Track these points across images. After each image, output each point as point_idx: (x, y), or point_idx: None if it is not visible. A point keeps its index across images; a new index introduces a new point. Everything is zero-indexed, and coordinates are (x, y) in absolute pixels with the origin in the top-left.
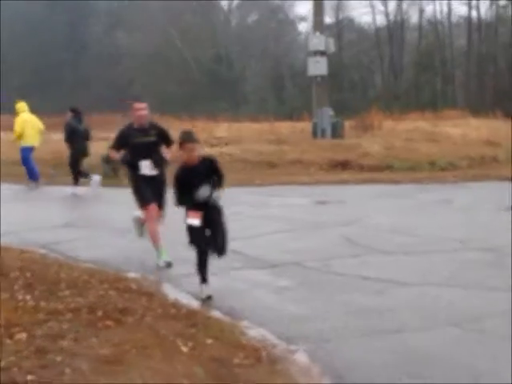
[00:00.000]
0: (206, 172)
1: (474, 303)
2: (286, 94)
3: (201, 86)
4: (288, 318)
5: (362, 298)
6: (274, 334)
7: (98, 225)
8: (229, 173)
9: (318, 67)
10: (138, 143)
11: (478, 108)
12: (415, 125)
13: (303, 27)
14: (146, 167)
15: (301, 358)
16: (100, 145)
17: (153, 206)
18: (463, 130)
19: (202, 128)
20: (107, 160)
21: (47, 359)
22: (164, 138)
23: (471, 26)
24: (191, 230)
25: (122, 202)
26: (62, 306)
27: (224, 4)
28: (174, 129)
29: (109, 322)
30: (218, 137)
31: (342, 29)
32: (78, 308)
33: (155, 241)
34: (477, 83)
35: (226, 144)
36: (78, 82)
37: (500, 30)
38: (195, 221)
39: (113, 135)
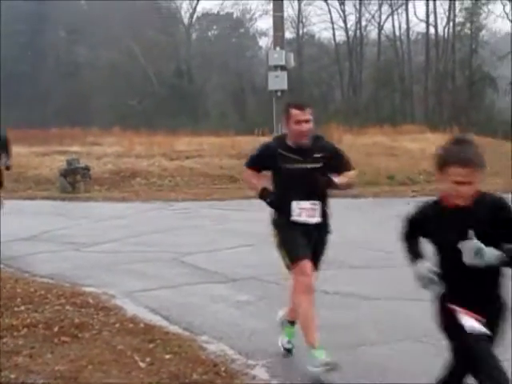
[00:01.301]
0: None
1: (433, 317)
2: (246, 109)
3: (161, 100)
4: (248, 333)
5: (322, 313)
6: (233, 348)
7: (56, 239)
8: (189, 186)
9: (278, 82)
10: (292, 170)
11: (435, 123)
12: (374, 139)
13: (264, 42)
14: (304, 211)
15: (260, 372)
16: (57, 159)
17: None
18: (421, 144)
19: (161, 142)
20: (65, 174)
21: (1, 376)
22: (336, 162)
23: (429, 42)
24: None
25: (79, 216)
26: (17, 321)
27: (184, 17)
28: (135, 143)
29: (65, 338)
30: (179, 150)
31: (303, 44)
32: (34, 324)
33: (305, 325)
34: (435, 99)
35: (187, 158)
36: (36, 94)
37: (457, 46)
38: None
39: (71, 149)
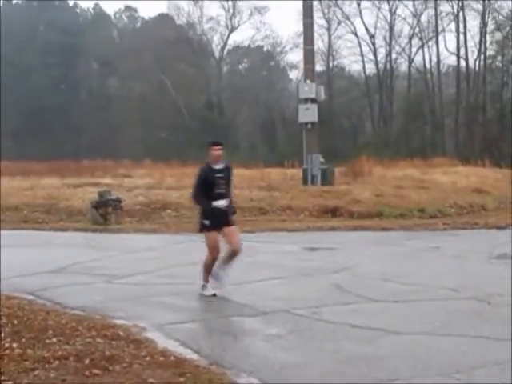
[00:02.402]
0: None
1: (466, 353)
2: (276, 141)
3: (192, 132)
4: (278, 367)
5: (351, 347)
6: (263, 382)
7: (87, 271)
8: None
9: (308, 114)
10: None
11: (467, 156)
12: (405, 172)
13: (294, 75)
14: None
15: None
16: (89, 190)
17: None
18: (452, 177)
19: (192, 173)
20: (96, 206)
21: None
22: None
23: (460, 75)
24: None
25: (110, 247)
26: (48, 353)
27: (216, 50)
28: (165, 174)
29: (96, 371)
30: None
31: (333, 77)
32: (65, 356)
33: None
34: (466, 131)
35: None
36: (68, 126)
37: (488, 79)
38: None
39: (102, 181)
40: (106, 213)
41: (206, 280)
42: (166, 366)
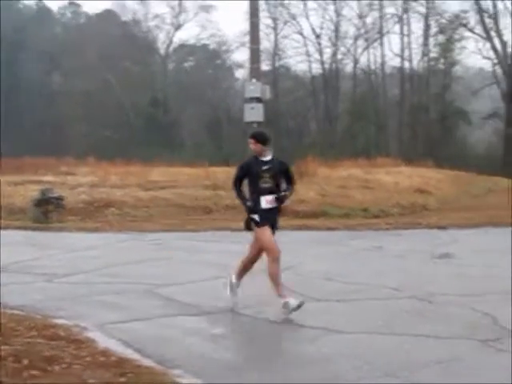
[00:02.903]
0: None
1: (408, 352)
2: (222, 140)
3: (136, 130)
4: (222, 367)
5: (295, 346)
6: (206, 382)
7: (27, 270)
8: (163, 217)
9: (254, 113)
10: None
11: (410, 156)
12: (349, 172)
13: (240, 73)
14: None
15: None
16: (30, 188)
17: None
18: (395, 177)
19: (136, 172)
20: (38, 203)
21: None
22: None
23: (404, 76)
24: None
25: (52, 246)
26: None
27: (161, 48)
28: (110, 173)
29: (35, 372)
30: (153, 181)
31: (279, 76)
32: (4, 356)
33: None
34: (409, 132)
35: (161, 188)
36: (10, 123)
37: (431, 81)
38: None
39: (45, 178)
40: (47, 211)
41: (281, 293)
42: (107, 366)
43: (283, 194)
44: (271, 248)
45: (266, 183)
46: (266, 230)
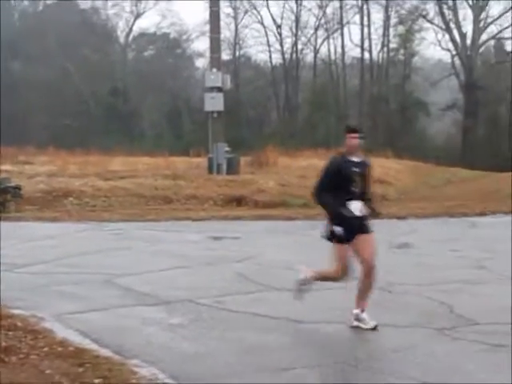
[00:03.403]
0: None
1: (366, 341)
2: (182, 129)
3: (96, 119)
4: (180, 356)
5: (254, 336)
6: (165, 372)
7: None
8: (122, 207)
9: (214, 103)
10: None
11: (370, 147)
12: (309, 162)
13: (200, 63)
14: None
15: None
16: None
17: None
18: None
19: (95, 161)
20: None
21: None
22: None
23: (364, 67)
24: None
25: (9, 236)
26: None
27: (121, 37)
28: (69, 162)
29: None
30: (113, 170)
31: (239, 66)
32: None
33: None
34: (369, 123)
35: (121, 178)
36: None
37: (391, 71)
38: None
39: (1, 167)
40: (4, 200)
41: (361, 307)
42: (65, 356)
43: (370, 200)
44: (344, 269)
45: (357, 187)
46: (344, 250)
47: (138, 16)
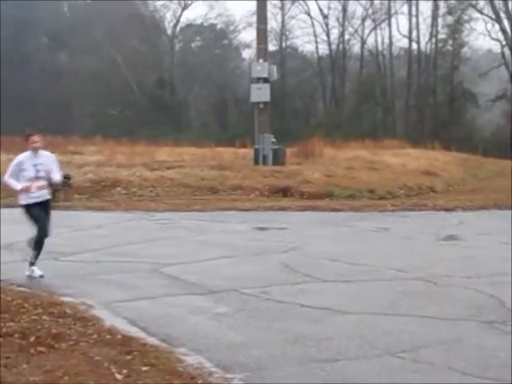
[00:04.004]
0: None
1: (412, 332)
2: (228, 120)
3: (143, 110)
4: (225, 346)
5: (299, 326)
6: (210, 361)
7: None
8: (169, 197)
9: (260, 94)
10: None
11: (416, 138)
12: (355, 153)
13: (247, 54)
14: None
15: None
16: None
17: None
18: (402, 159)
19: (142, 152)
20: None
21: None
22: None
23: (411, 57)
24: None
25: (58, 225)
26: None
27: (168, 28)
28: (116, 152)
29: (41, 348)
30: (160, 161)
31: (285, 56)
32: (10, 333)
33: None
34: (416, 114)
35: (168, 168)
36: (17, 102)
37: (439, 62)
38: None
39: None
40: (54, 190)
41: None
42: (113, 344)
43: None
44: None
45: None
46: None
47: (185, 7)
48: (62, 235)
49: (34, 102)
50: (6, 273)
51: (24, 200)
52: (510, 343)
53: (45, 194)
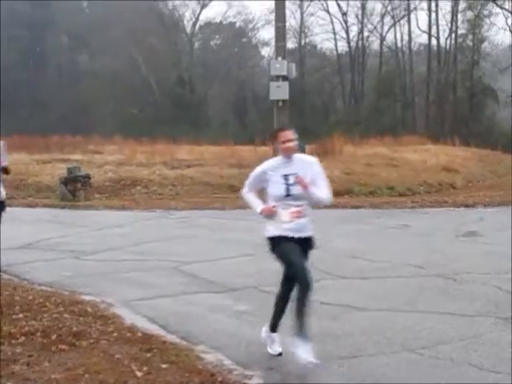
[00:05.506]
0: None
1: (431, 329)
2: (248, 118)
3: (162, 108)
4: (245, 343)
5: (319, 323)
6: (230, 358)
7: (55, 247)
8: (189, 195)
9: (279, 92)
10: None
11: (436, 134)
12: (375, 150)
13: (266, 52)
14: None
15: (257, 383)
16: (58, 167)
17: None
18: (422, 155)
19: (162, 150)
20: (65, 182)
21: None
22: None
23: (431, 53)
24: None
25: (79, 224)
26: (15, 329)
27: (187, 26)
28: (136, 151)
29: (63, 346)
30: (180, 159)
31: (304, 54)
32: (32, 331)
33: None
34: (436, 110)
35: (187, 167)
36: (37, 102)
37: (459, 58)
38: None
39: (72, 157)
40: (75, 189)
41: None
42: (133, 341)
43: None
44: None
45: None
46: None
47: (204, 5)
48: (82, 234)
49: (53, 102)
50: (28, 272)
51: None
52: None
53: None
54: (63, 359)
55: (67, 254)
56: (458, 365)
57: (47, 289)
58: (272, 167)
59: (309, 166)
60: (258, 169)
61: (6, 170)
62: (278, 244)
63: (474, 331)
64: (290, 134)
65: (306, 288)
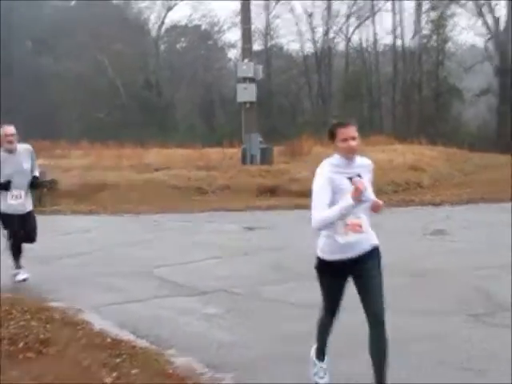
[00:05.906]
0: None
1: (400, 327)
2: (215, 121)
3: (129, 112)
4: (216, 346)
5: (289, 325)
6: (201, 362)
7: (23, 253)
8: (157, 199)
9: (246, 93)
10: None
11: (403, 134)
12: None
13: (232, 54)
14: None
15: None
16: None
17: None
18: (389, 155)
19: (130, 154)
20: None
21: None
22: None
23: (396, 54)
24: None
25: (46, 229)
26: None
27: (153, 29)
28: (103, 155)
29: (30, 354)
30: (147, 163)
31: (271, 56)
32: None
33: None
34: (402, 110)
35: (156, 170)
36: (1, 107)
37: (424, 58)
38: None
39: (37, 162)
40: (41, 194)
41: None
42: (103, 347)
43: None
44: None
45: None
46: None
47: (169, 9)
48: (49, 239)
49: (19, 106)
50: None
51: None
52: (496, 335)
53: None
54: (31, 367)
55: (34, 260)
56: (431, 363)
57: (13, 296)
58: (335, 171)
59: (367, 171)
60: (320, 178)
61: (41, 184)
62: None
63: (445, 328)
64: (352, 131)
65: None
